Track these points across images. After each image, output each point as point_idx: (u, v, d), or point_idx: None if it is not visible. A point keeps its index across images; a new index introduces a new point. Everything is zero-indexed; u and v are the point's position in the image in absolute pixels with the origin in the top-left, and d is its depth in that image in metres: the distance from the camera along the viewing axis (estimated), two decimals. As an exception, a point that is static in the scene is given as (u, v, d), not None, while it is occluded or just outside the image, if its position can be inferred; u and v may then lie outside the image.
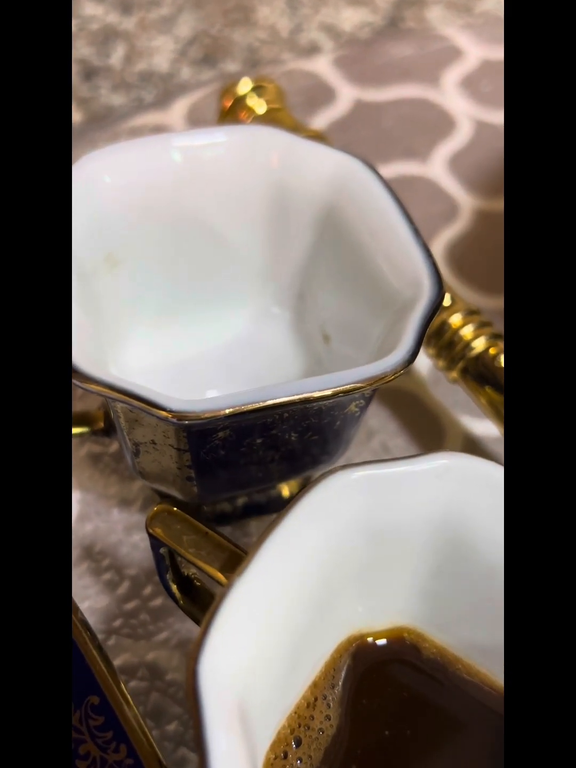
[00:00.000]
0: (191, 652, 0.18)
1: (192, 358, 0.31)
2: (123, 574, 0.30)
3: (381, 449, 0.33)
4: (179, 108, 0.45)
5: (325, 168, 0.28)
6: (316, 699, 0.23)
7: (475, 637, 0.23)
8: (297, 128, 0.35)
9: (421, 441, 0.34)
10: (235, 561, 0.21)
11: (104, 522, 0.31)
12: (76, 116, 0.47)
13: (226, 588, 0.19)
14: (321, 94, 0.46)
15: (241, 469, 0.26)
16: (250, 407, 0.22)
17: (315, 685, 0.23)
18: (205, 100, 0.45)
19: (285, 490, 0.31)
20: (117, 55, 0.50)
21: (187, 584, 0.24)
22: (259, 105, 0.36)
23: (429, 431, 0.34)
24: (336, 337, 0.30)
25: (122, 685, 0.22)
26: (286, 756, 0.22)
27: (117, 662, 0.28)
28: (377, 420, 0.34)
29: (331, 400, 0.23)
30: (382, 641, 0.24)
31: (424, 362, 0.35)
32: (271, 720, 0.22)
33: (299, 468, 0.28)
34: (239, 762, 0.17)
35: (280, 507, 0.31)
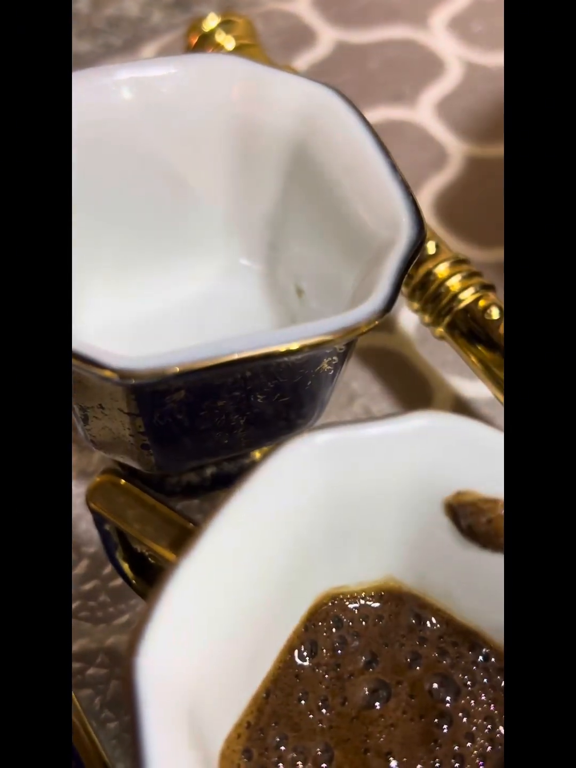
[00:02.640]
0: (129, 643, 0.16)
1: (153, 315, 0.28)
2: (81, 552, 0.27)
3: (363, 414, 0.31)
4: (148, 53, 0.42)
5: (293, 100, 0.25)
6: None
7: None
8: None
9: (407, 404, 0.31)
10: (186, 537, 0.18)
11: (61, 496, 0.28)
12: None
13: (170, 569, 0.16)
14: (299, 35, 0.43)
15: (203, 435, 0.23)
16: (204, 364, 0.19)
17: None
18: (174, 44, 0.42)
19: (257, 459, 0.28)
20: (84, -1, 0.47)
21: (140, 562, 0.21)
22: (227, 41, 0.33)
23: (416, 394, 0.31)
24: (310, 290, 0.27)
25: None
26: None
27: (74, 648, 0.25)
28: (359, 382, 0.31)
29: (298, 356, 0.20)
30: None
31: (409, 318, 0.33)
32: (233, 710, 0.20)
33: (271, 434, 0.25)
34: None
35: (252, 477, 0.29)
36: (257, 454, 0.28)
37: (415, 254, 0.21)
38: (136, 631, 0.16)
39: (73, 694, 0.20)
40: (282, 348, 0.20)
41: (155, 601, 0.16)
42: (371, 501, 0.19)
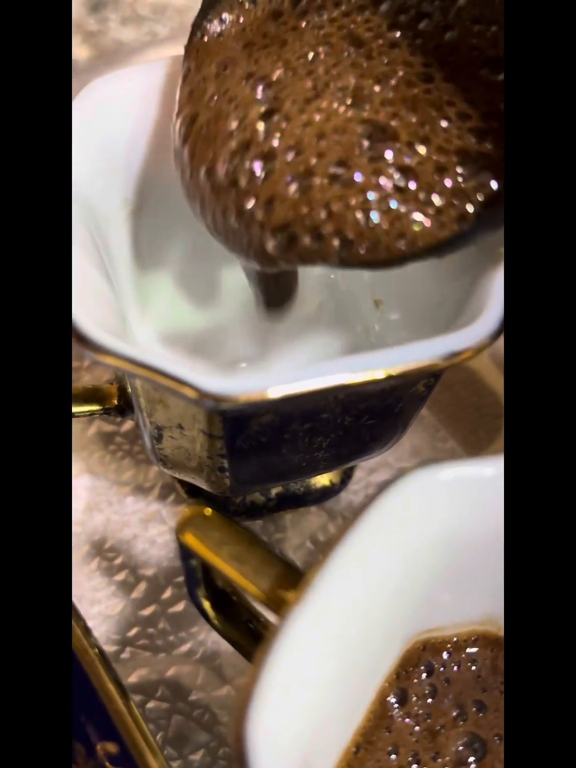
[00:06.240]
0: (238, 708, 0.14)
1: (220, 322, 0.26)
2: (139, 574, 0.25)
3: (433, 431, 0.29)
4: (198, 41, 0.40)
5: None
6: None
7: None
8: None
9: (480, 422, 0.29)
10: (288, 579, 0.17)
11: (116, 513, 0.26)
12: (82, 52, 0.42)
13: (281, 622, 0.15)
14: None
15: (283, 458, 0.22)
16: (305, 390, 0.18)
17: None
18: (227, 33, 0.40)
19: (325, 479, 0.27)
20: (128, -16, 0.45)
21: (222, 599, 0.20)
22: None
23: (489, 410, 0.30)
24: (390, 301, 0.25)
25: (145, 728, 0.18)
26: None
27: (132, 679, 0.24)
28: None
29: (399, 379, 0.19)
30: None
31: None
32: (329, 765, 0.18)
33: (347, 455, 0.24)
34: None
35: (319, 498, 0.27)
36: (325, 476, 0.27)
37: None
38: (245, 696, 0.14)
39: (156, 744, 0.18)
40: (383, 374, 0.18)
41: (264, 661, 0.14)
42: (484, 541, 0.18)
